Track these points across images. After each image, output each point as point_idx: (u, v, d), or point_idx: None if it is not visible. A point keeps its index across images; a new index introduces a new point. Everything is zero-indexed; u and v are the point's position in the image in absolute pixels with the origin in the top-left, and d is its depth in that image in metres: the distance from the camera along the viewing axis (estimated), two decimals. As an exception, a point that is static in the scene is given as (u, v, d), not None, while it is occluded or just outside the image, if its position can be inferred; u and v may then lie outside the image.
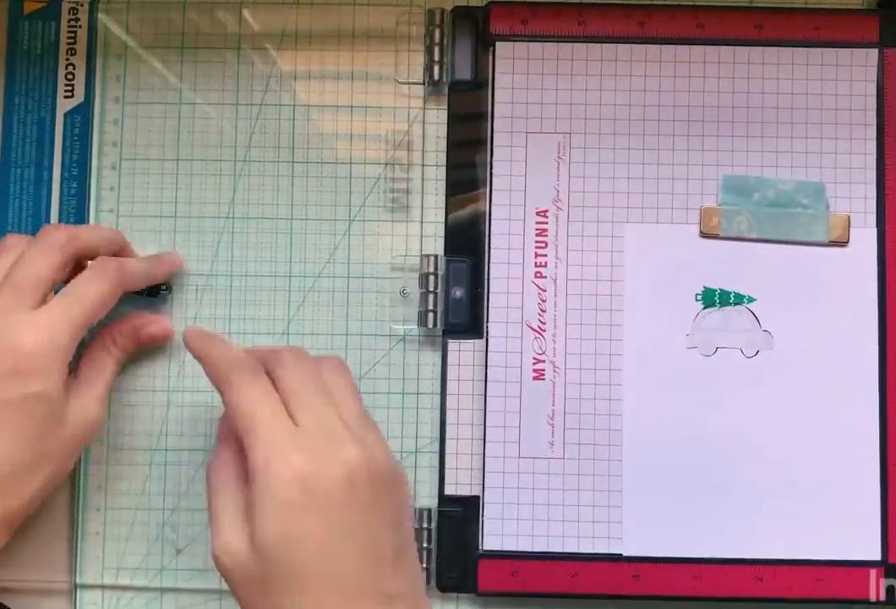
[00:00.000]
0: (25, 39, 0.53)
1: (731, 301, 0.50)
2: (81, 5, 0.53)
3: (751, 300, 0.50)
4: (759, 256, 0.50)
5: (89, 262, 0.47)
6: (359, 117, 0.53)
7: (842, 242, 0.51)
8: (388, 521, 0.41)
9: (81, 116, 0.53)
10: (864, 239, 0.51)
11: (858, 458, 0.50)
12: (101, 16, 0.53)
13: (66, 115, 0.53)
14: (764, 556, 0.50)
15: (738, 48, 0.52)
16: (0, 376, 0.42)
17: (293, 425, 0.41)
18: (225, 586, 0.41)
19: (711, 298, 0.50)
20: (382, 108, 0.53)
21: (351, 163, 0.52)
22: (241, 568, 0.39)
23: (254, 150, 0.52)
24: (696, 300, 0.50)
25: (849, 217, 0.51)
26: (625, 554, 0.50)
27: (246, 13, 0.53)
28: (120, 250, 0.50)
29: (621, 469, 0.50)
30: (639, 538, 0.50)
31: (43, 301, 0.44)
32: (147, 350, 0.52)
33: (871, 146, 0.51)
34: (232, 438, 0.43)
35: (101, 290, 0.45)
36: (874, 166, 0.51)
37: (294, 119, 0.53)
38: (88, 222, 0.52)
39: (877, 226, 0.51)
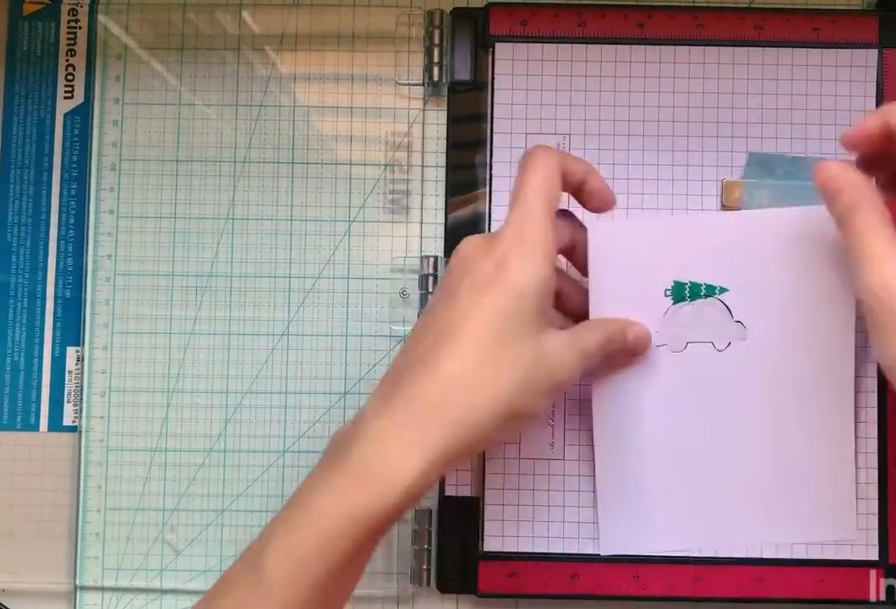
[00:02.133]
0: (25, 40, 0.53)
1: (702, 294, 0.48)
2: (81, 6, 0.53)
3: (723, 290, 0.48)
4: (732, 245, 0.47)
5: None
6: (358, 118, 0.53)
7: None
8: None
9: (81, 117, 0.53)
10: None
11: (844, 452, 0.49)
12: (100, 17, 0.53)
13: (65, 115, 0.53)
14: (764, 557, 0.50)
15: (737, 49, 0.52)
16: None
17: None
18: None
19: (681, 293, 0.48)
20: (382, 110, 0.53)
21: (350, 164, 0.52)
22: None
23: (253, 151, 0.52)
24: (666, 296, 0.48)
25: None
26: (603, 554, 0.50)
27: (245, 14, 0.53)
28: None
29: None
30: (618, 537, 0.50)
31: None
32: (147, 350, 0.52)
33: (871, 147, 0.51)
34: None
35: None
36: (874, 167, 0.51)
37: (294, 120, 0.53)
38: (88, 223, 0.52)
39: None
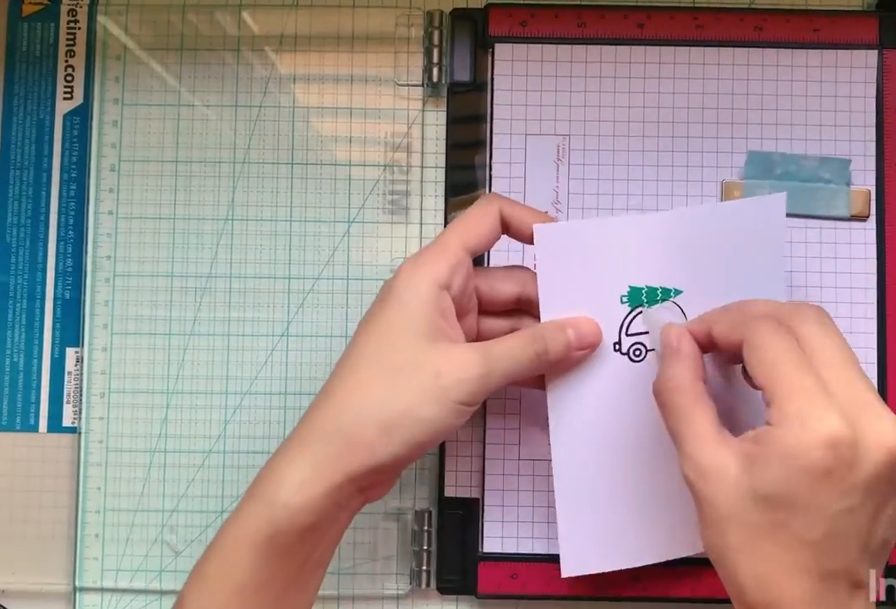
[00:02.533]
0: (24, 41, 0.53)
1: (658, 298, 0.45)
2: (80, 7, 0.53)
3: (677, 292, 0.45)
4: (682, 244, 0.45)
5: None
6: (358, 119, 0.53)
7: (862, 217, 0.51)
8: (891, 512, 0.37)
9: (80, 118, 0.53)
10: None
11: None
12: (100, 18, 0.53)
13: (65, 116, 0.53)
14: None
15: (737, 50, 0.52)
16: None
17: (824, 385, 0.37)
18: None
19: (638, 298, 0.45)
20: (381, 110, 0.53)
21: (350, 165, 0.52)
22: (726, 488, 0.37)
23: (253, 152, 0.52)
24: (623, 302, 0.45)
25: (869, 191, 0.51)
26: (565, 576, 0.47)
27: (245, 15, 0.53)
28: None
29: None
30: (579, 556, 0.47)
31: None
32: (146, 351, 0.52)
33: (871, 148, 0.51)
34: (695, 365, 0.41)
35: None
36: (874, 168, 0.51)
37: (293, 121, 0.53)
38: (88, 224, 0.52)
39: (876, 227, 0.51)
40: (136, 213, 0.52)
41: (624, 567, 0.47)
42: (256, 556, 0.40)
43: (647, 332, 0.45)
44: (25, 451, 0.52)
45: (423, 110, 0.53)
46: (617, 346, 0.45)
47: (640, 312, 0.45)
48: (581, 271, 0.45)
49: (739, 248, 0.45)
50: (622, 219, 0.48)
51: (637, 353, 0.45)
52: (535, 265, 0.44)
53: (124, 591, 0.51)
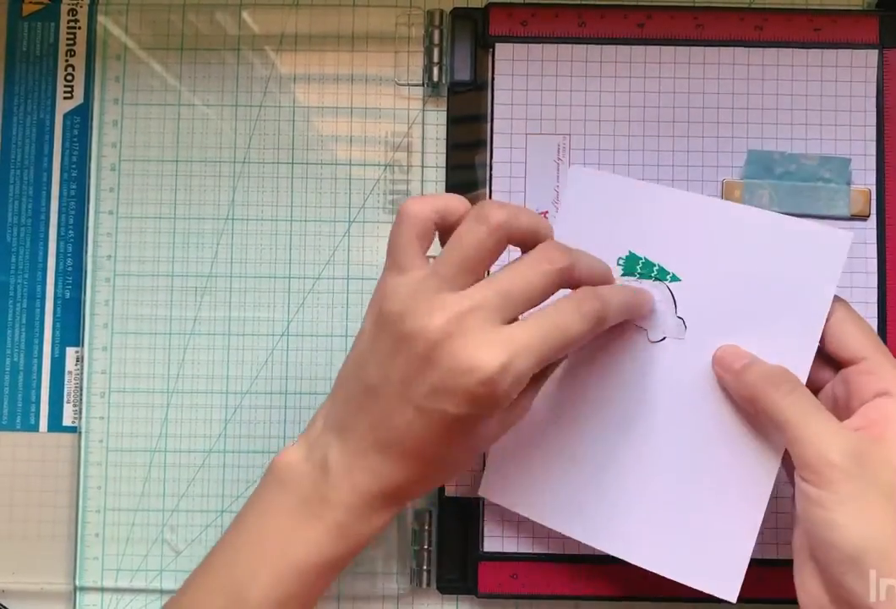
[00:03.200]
0: (25, 41, 0.53)
1: (653, 275, 0.44)
2: (81, 7, 0.53)
3: (675, 279, 0.44)
4: (703, 234, 0.44)
5: (574, 292, 0.40)
6: (358, 119, 0.53)
7: (863, 216, 0.51)
8: None
9: (81, 118, 0.53)
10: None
11: (755, 505, 0.44)
12: (100, 17, 0.53)
13: (65, 116, 0.53)
14: (769, 557, 0.49)
15: (737, 49, 0.52)
16: (443, 391, 0.38)
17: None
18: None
19: (633, 267, 0.45)
20: (382, 110, 0.53)
21: (350, 164, 0.52)
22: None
23: (253, 152, 0.52)
24: (618, 264, 0.45)
25: (870, 191, 0.51)
26: (480, 494, 0.49)
27: (245, 15, 0.53)
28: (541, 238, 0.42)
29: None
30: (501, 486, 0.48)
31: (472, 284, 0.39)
32: (146, 351, 0.52)
33: (871, 147, 0.51)
34: None
35: (581, 330, 0.39)
36: (874, 167, 0.51)
37: (294, 120, 0.53)
38: (88, 223, 0.52)
39: (877, 227, 0.51)
40: (137, 212, 0.52)
41: (538, 520, 0.47)
42: (324, 582, 0.41)
43: None
44: (26, 450, 0.52)
45: (424, 110, 0.53)
46: None
47: (629, 281, 0.45)
48: (595, 221, 0.45)
49: (777, 273, 0.43)
50: (661, 189, 0.45)
51: None
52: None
53: (125, 590, 0.51)
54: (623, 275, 0.45)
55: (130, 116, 0.52)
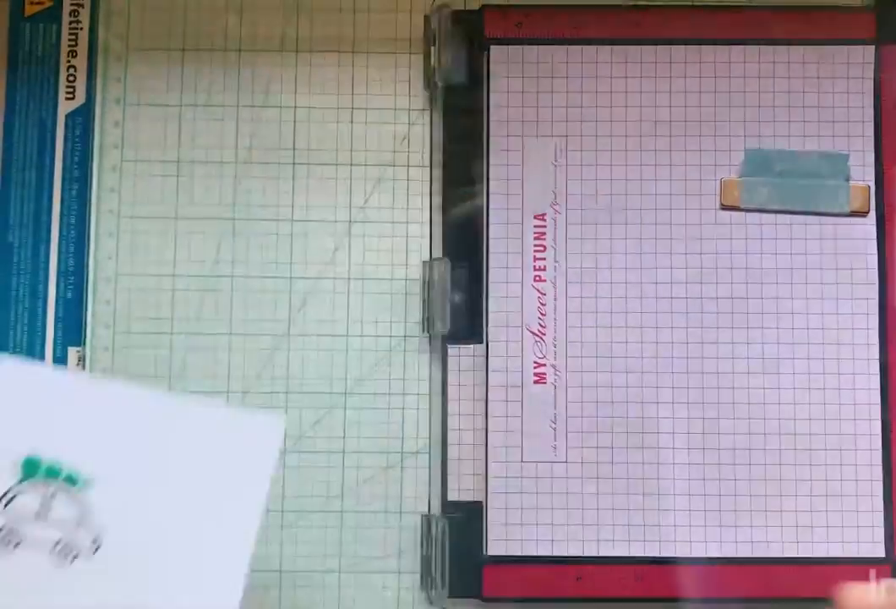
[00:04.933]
0: (27, 41, 0.53)
1: (60, 478, 0.37)
2: (83, 7, 0.54)
3: (88, 482, 0.37)
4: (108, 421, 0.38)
5: None
6: (358, 120, 0.53)
7: (862, 212, 0.51)
8: None
9: (83, 118, 0.53)
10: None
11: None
12: (102, 18, 0.53)
13: (67, 116, 0.53)
14: (773, 555, 0.49)
15: (734, 47, 0.52)
16: None
17: None
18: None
19: (34, 469, 0.37)
20: (381, 111, 0.53)
21: (351, 165, 0.53)
22: None
23: (255, 152, 0.53)
24: (18, 466, 0.37)
25: (869, 187, 0.51)
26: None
27: (246, 16, 0.53)
28: None
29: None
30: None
31: None
32: (147, 350, 0.52)
33: (869, 143, 0.52)
34: None
35: None
36: (872, 163, 0.52)
37: (295, 121, 0.53)
38: (90, 223, 0.52)
39: (876, 223, 0.51)
40: (139, 212, 0.52)
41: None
42: None
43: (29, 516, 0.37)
44: (27, 452, 0.52)
45: (422, 110, 0.53)
46: None
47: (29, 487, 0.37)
48: None
49: (208, 465, 0.39)
50: (70, 376, 0.42)
51: (10, 541, 0.37)
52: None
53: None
54: (21, 481, 0.37)
55: (132, 117, 0.53)
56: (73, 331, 0.52)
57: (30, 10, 0.54)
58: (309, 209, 0.52)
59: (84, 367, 0.52)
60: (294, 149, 0.53)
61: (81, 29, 0.53)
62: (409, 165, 0.53)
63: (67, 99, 0.53)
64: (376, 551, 0.51)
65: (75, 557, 0.36)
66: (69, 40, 0.53)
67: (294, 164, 0.53)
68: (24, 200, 0.53)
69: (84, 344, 0.52)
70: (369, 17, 0.53)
